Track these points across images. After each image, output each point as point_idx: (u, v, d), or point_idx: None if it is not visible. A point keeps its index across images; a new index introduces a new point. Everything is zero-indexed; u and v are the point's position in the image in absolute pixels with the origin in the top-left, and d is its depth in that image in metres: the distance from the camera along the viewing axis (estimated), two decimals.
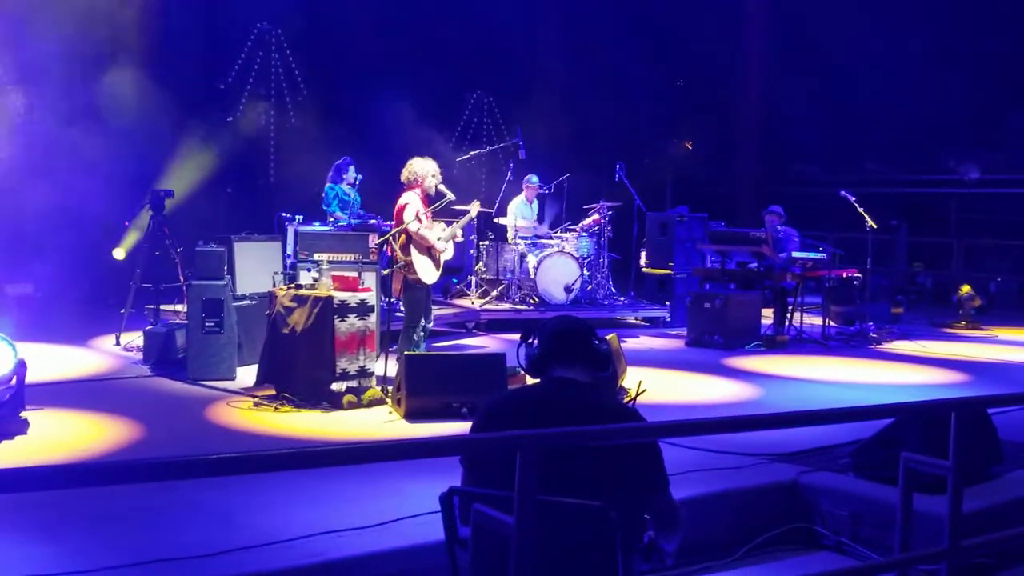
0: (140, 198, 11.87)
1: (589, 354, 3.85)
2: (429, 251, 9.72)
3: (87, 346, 11.33)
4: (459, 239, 10.27)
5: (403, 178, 9.79)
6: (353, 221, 12.09)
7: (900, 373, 11.30)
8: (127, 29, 14.47)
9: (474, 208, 10.74)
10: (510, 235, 14.46)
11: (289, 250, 11.75)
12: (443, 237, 9.83)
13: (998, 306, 18.03)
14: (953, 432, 4.09)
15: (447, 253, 9.91)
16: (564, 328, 3.88)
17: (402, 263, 9.56)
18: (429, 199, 9.79)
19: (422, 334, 9.81)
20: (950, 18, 19.15)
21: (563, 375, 3.83)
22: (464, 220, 10.50)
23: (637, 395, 6.17)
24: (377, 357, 9.07)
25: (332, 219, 12.26)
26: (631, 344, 12.43)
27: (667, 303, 14.74)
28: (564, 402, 3.73)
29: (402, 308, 9.99)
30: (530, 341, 3.94)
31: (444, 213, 10.09)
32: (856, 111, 20.14)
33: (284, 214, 13.00)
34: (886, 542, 5.87)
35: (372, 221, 12.17)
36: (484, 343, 12.25)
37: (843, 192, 13.83)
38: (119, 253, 12.60)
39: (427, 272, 9.74)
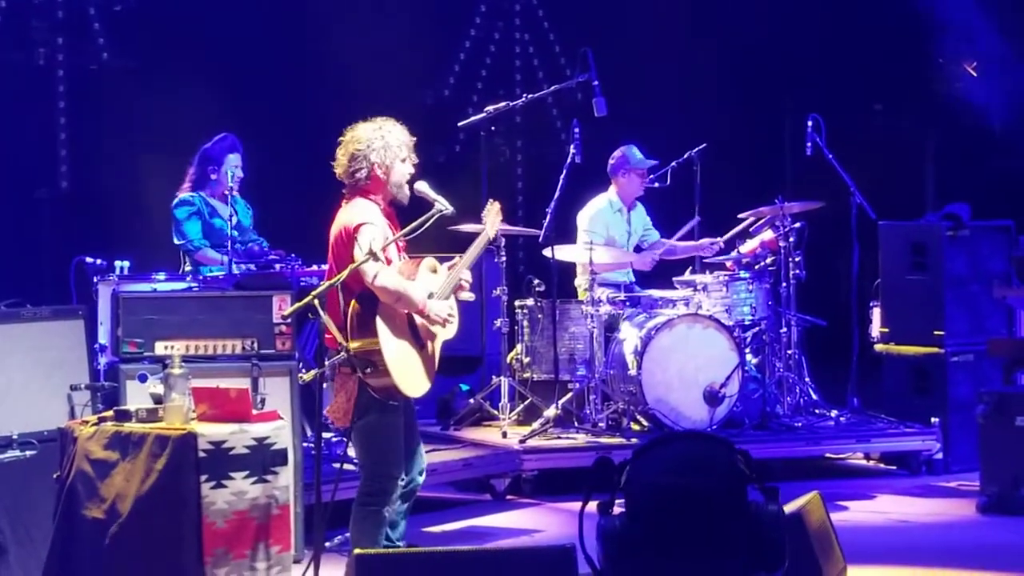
0: None
1: (740, 535, 2.51)
2: (410, 323, 5.99)
3: None
4: (468, 295, 6.38)
5: (338, 171, 6.09)
6: (241, 266, 8.41)
7: None
8: None
9: (489, 222, 6.74)
10: (581, 281, 9.29)
11: (102, 337, 8.29)
12: (438, 293, 6.00)
13: None
14: None
15: (450, 328, 6.16)
16: (682, 483, 2.51)
17: (349, 352, 5.77)
18: (401, 214, 6.39)
19: (402, 507, 6.13)
20: None
21: None
22: (473, 253, 6.62)
23: None
24: (297, 561, 6.40)
25: (193, 263, 8.85)
26: (858, 512, 8.86)
27: (934, 419, 9.56)
28: None
29: (355, 452, 6.46)
30: (611, 506, 2.63)
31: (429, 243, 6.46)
32: None
33: (90, 259, 8.85)
34: None
35: (278, 266, 8.46)
36: (531, 522, 8.69)
37: None
38: None
39: (410, 372, 6.05)
